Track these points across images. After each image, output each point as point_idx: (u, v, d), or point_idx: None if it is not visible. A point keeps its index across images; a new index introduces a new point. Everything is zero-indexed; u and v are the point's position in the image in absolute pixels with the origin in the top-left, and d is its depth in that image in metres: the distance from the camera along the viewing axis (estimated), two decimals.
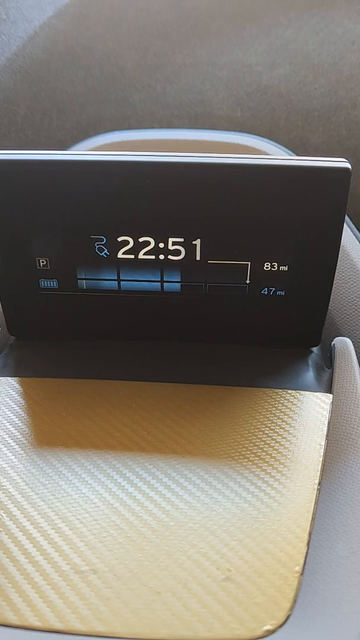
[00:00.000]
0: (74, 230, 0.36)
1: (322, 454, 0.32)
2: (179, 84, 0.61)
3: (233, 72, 0.61)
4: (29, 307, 0.39)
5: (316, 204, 0.34)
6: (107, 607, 0.25)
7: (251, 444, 0.32)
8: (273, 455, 0.32)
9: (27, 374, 0.37)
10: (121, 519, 0.28)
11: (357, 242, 0.45)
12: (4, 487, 0.30)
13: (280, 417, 0.34)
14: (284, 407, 0.35)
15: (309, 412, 0.34)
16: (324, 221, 0.34)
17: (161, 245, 0.36)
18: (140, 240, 0.36)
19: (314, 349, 0.39)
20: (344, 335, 0.40)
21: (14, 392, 0.36)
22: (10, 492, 0.30)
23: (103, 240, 0.36)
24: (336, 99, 0.59)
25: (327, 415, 0.34)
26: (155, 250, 0.36)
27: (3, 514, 0.29)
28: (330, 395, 0.35)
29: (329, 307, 0.40)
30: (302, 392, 0.36)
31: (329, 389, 0.36)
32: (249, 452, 0.32)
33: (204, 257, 0.36)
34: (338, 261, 0.36)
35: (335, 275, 0.36)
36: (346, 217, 0.43)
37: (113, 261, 0.36)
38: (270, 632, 0.24)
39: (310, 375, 0.37)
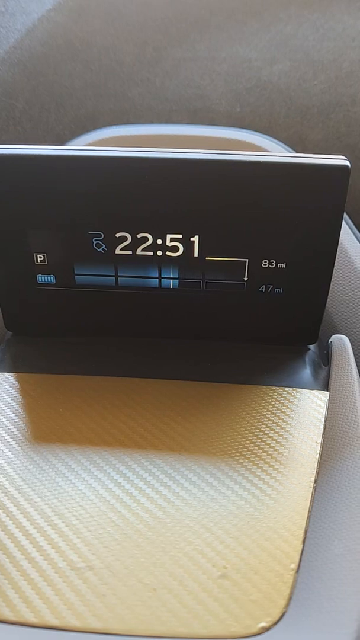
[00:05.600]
0: (71, 226, 0.36)
1: (318, 451, 0.32)
2: (178, 79, 0.61)
3: (233, 68, 0.61)
4: (26, 303, 0.39)
5: (315, 201, 0.34)
6: (103, 603, 0.25)
7: (248, 441, 0.32)
8: (269, 452, 0.32)
9: (23, 369, 0.37)
10: (117, 516, 0.28)
11: (355, 239, 0.45)
12: (0, 484, 0.30)
13: (277, 414, 0.34)
14: (280, 405, 0.35)
15: (305, 409, 0.34)
16: (323, 219, 0.34)
17: (159, 241, 0.36)
18: (138, 236, 0.36)
19: (311, 347, 0.39)
20: (341, 333, 0.40)
21: (11, 388, 0.36)
22: (6, 488, 0.30)
23: (101, 236, 0.36)
24: (336, 95, 0.59)
25: (324, 412, 0.34)
26: (153, 247, 0.36)
27: None
28: (327, 393, 0.35)
29: (327, 305, 0.40)
30: (299, 389, 0.36)
31: (325, 387, 0.36)
32: (245, 450, 0.32)
33: (201, 253, 0.36)
34: (336, 259, 0.36)
35: (333, 273, 0.36)
36: (344, 215, 0.43)
37: (111, 257, 0.36)
38: (266, 629, 0.24)
39: (307, 372, 0.37)
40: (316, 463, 0.31)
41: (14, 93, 0.61)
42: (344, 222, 0.43)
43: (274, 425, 0.33)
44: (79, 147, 0.35)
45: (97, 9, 0.64)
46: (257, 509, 0.29)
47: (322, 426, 0.33)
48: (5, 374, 0.37)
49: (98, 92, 0.61)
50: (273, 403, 0.35)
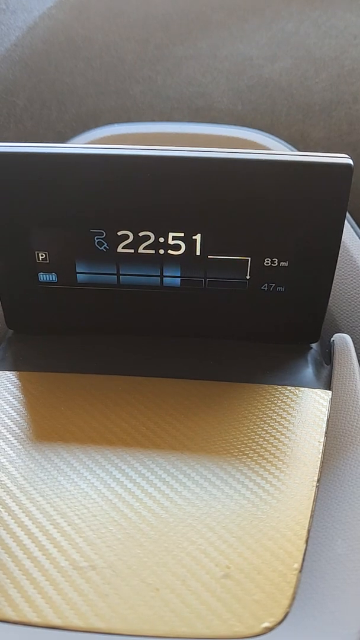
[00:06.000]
0: (73, 224, 0.35)
1: (321, 450, 0.32)
2: (179, 77, 0.61)
3: (234, 65, 0.61)
4: (27, 301, 0.38)
5: (317, 200, 0.34)
6: (105, 603, 0.25)
7: (250, 441, 0.32)
8: (272, 451, 0.32)
9: (25, 368, 0.37)
10: (120, 515, 0.28)
11: (358, 238, 0.45)
12: (2, 482, 0.30)
13: (279, 413, 0.34)
14: (282, 404, 0.35)
15: (308, 408, 0.34)
16: (325, 217, 0.34)
17: (161, 239, 0.36)
18: (140, 234, 0.35)
19: (313, 345, 0.39)
20: (343, 332, 0.40)
21: (12, 386, 0.36)
22: (8, 487, 0.30)
23: (103, 234, 0.36)
24: (337, 93, 0.59)
25: (326, 411, 0.34)
26: (155, 245, 0.36)
27: (1, 509, 0.29)
28: (330, 392, 0.35)
29: (329, 303, 0.40)
30: (301, 388, 0.36)
31: (328, 386, 0.36)
32: (247, 449, 0.32)
33: (204, 252, 0.36)
34: (338, 257, 0.36)
35: (335, 272, 0.36)
36: (347, 213, 0.43)
37: (112, 255, 0.36)
38: (269, 630, 0.24)
39: (309, 371, 0.37)
40: (319, 462, 0.31)
41: (15, 90, 0.61)
42: (346, 221, 0.43)
43: (277, 424, 0.33)
44: (80, 145, 0.35)
45: (98, 6, 0.64)
46: (260, 509, 0.29)
47: (324, 425, 0.33)
48: (7, 372, 0.37)
49: (99, 89, 0.61)
50: (275, 402, 0.35)
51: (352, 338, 0.38)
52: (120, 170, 0.34)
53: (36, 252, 0.37)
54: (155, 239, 0.36)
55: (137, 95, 0.60)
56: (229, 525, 0.28)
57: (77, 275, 0.37)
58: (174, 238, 0.36)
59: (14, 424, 0.33)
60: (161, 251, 0.36)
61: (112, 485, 0.30)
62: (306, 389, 0.35)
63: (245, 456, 0.31)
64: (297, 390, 0.35)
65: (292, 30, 0.62)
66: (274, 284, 0.37)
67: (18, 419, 0.34)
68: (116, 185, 0.34)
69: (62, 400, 0.35)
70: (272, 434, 0.33)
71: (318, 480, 0.30)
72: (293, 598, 0.25)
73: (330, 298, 0.40)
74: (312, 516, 0.28)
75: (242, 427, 0.33)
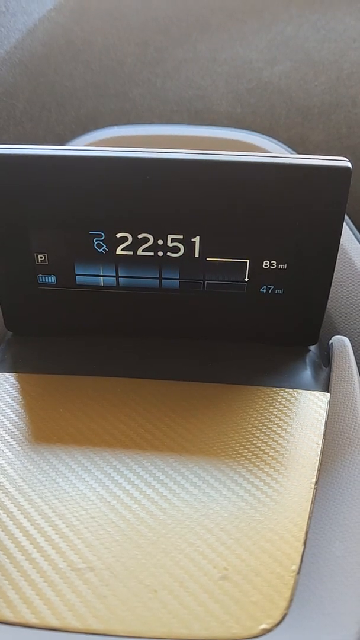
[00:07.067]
0: (72, 226, 0.35)
1: (319, 452, 0.32)
2: (179, 79, 0.61)
3: (233, 68, 0.61)
4: (26, 303, 0.38)
5: (316, 202, 0.34)
6: (103, 604, 0.25)
7: (248, 442, 0.32)
8: (270, 453, 0.32)
9: (24, 369, 0.37)
10: (118, 517, 0.28)
11: (356, 241, 0.45)
12: (1, 484, 0.30)
13: (278, 415, 0.34)
14: (281, 406, 0.35)
15: (306, 410, 0.34)
16: (324, 220, 0.34)
17: (160, 242, 0.36)
18: (139, 236, 0.36)
19: (312, 348, 0.39)
20: (341, 334, 0.40)
21: (11, 388, 0.36)
22: (7, 488, 0.30)
23: (102, 236, 0.36)
24: (336, 96, 0.59)
25: (325, 414, 0.34)
26: (154, 247, 0.36)
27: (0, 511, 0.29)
28: (328, 394, 0.35)
29: (327, 306, 0.40)
30: (299, 390, 0.36)
31: (326, 388, 0.36)
32: (246, 451, 0.32)
33: (202, 254, 0.36)
34: (337, 260, 0.36)
35: (334, 274, 0.36)
36: (345, 216, 0.43)
37: (111, 257, 0.36)
38: (267, 631, 0.24)
39: (307, 373, 0.37)
40: (317, 464, 0.31)
41: (14, 93, 0.61)
42: (344, 224, 0.43)
43: (275, 426, 0.33)
44: (79, 147, 0.35)
45: (98, 9, 0.64)
46: (258, 511, 0.29)
47: (322, 427, 0.33)
48: (6, 374, 0.37)
49: (99, 92, 0.61)
50: (274, 404, 0.35)
51: (350, 341, 0.38)
52: (119, 173, 0.34)
53: (35, 254, 0.37)
54: (154, 241, 0.36)
55: (137, 98, 0.60)
56: (227, 527, 0.28)
57: (76, 277, 0.37)
58: (172, 240, 0.36)
59: (12, 425, 0.33)
60: (160, 253, 0.36)
61: (110, 487, 0.30)
62: (304, 391, 0.36)
63: (244, 458, 0.31)
64: (295, 393, 0.35)
65: (291, 33, 0.62)
66: (272, 287, 0.37)
67: (17, 420, 0.34)
68: (115, 188, 0.34)
69: (60, 402, 0.35)
70: (271, 436, 0.33)
71: (316, 483, 0.30)
72: (291, 600, 0.25)
73: (329, 301, 0.40)
74: (310, 518, 0.28)
75: (241, 429, 0.33)
